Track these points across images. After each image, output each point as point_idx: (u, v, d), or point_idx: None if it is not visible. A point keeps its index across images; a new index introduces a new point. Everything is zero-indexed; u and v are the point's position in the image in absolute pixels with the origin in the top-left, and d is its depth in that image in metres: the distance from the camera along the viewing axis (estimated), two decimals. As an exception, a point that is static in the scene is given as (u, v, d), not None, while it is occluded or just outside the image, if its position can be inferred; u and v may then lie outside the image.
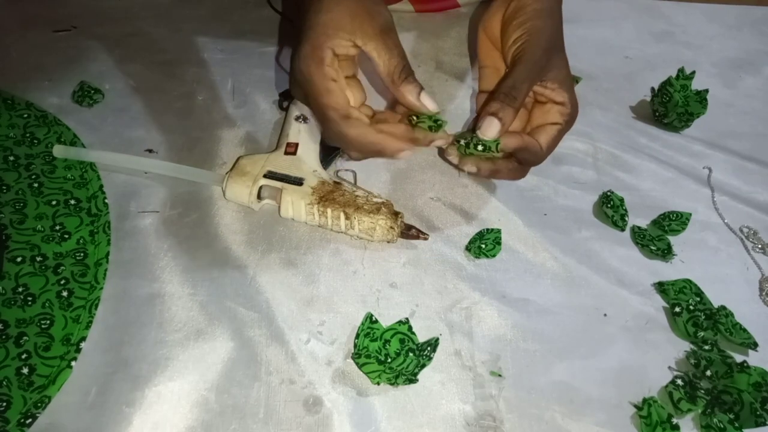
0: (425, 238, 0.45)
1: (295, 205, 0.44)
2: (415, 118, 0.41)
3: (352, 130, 0.39)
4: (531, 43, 0.41)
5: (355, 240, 0.45)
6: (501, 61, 0.45)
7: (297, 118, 0.50)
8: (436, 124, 0.41)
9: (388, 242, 0.45)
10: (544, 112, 0.43)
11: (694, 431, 0.37)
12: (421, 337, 0.39)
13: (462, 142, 0.41)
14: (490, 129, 0.39)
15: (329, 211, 0.44)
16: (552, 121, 0.43)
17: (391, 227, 0.44)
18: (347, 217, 0.44)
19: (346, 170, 0.50)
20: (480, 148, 0.41)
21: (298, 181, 0.45)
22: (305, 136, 0.48)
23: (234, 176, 0.45)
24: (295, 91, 0.42)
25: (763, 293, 0.45)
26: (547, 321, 0.42)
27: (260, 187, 0.45)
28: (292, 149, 0.47)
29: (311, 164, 0.47)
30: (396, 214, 0.44)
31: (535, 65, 0.41)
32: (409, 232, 0.45)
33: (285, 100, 0.55)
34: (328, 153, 0.50)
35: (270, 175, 0.45)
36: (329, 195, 0.44)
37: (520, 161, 0.43)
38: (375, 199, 0.45)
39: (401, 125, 0.41)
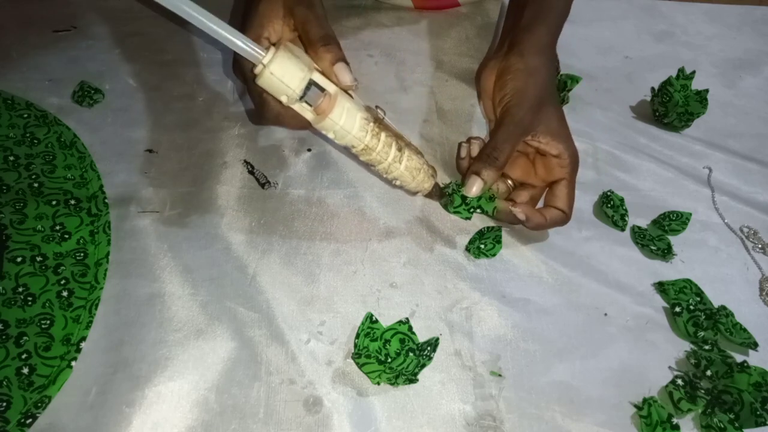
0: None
1: (350, 113, 0.37)
2: (456, 194, 0.43)
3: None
4: (513, 104, 0.43)
5: (355, 239, 0.45)
6: None
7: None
8: (486, 202, 0.43)
9: (417, 193, 0.43)
10: (546, 164, 0.46)
11: (694, 431, 0.37)
12: (421, 337, 0.39)
13: (462, 199, 0.43)
14: (474, 187, 0.42)
15: (383, 135, 0.39)
16: (558, 178, 0.45)
17: (433, 174, 0.42)
18: (399, 149, 0.40)
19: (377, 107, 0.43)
20: (477, 210, 0.44)
21: (348, 95, 0.38)
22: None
23: (285, 52, 0.35)
24: (237, 74, 0.41)
25: (763, 293, 0.45)
26: (547, 321, 0.42)
27: (310, 81, 0.36)
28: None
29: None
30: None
31: (516, 126, 0.43)
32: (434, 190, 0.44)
33: None
34: None
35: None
36: (380, 121, 0.39)
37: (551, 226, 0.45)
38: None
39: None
